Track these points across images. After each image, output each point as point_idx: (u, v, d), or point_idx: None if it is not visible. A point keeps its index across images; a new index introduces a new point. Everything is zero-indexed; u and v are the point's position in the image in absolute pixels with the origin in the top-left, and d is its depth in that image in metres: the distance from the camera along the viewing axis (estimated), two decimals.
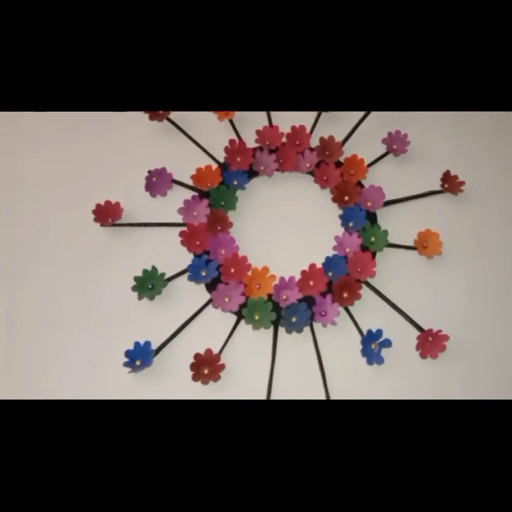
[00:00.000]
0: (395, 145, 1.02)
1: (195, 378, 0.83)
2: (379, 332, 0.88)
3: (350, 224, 0.96)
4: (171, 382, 0.85)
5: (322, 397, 0.86)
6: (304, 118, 1.03)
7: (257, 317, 0.86)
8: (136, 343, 0.83)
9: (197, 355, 0.83)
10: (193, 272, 0.88)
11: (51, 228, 0.94)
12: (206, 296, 0.90)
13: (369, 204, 0.97)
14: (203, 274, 0.88)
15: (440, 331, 0.89)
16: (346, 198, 0.97)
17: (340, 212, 0.97)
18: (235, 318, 0.89)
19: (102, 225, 0.92)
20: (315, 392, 0.87)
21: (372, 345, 0.89)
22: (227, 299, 0.87)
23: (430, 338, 0.90)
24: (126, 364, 0.82)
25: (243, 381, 0.86)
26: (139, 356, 0.81)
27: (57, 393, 0.83)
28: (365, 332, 0.89)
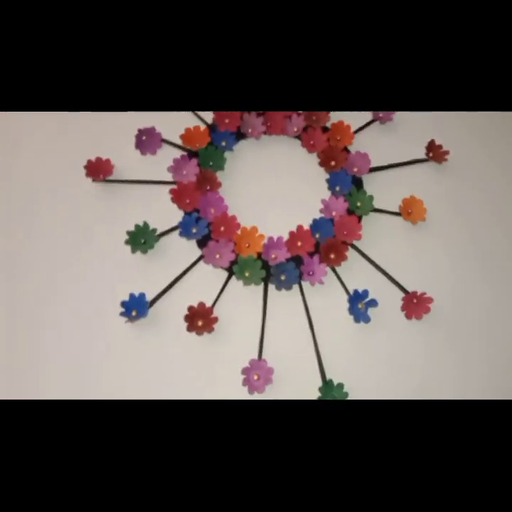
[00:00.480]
0: (381, 113, 1.09)
1: (189, 329, 0.87)
2: (365, 292, 0.94)
3: (337, 188, 1.01)
4: (166, 332, 0.89)
5: (312, 352, 0.91)
6: None
7: (247, 274, 0.91)
8: (131, 295, 0.87)
9: (191, 308, 0.87)
10: (183, 229, 0.92)
11: (44, 185, 0.97)
12: (197, 252, 0.94)
13: (355, 169, 1.03)
14: (194, 231, 0.92)
15: (424, 293, 0.95)
16: (333, 163, 1.03)
17: (327, 176, 1.02)
18: (226, 274, 0.93)
19: (93, 180, 0.95)
20: (305, 348, 0.91)
21: (359, 305, 0.94)
22: (218, 256, 0.92)
23: (415, 300, 0.96)
24: (122, 314, 0.86)
25: (235, 334, 0.90)
26: (135, 307, 0.86)
27: (55, 343, 0.87)
28: (351, 292, 0.94)
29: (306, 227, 0.96)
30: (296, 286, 0.94)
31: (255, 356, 0.89)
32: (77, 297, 0.90)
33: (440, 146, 1.06)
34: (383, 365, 0.93)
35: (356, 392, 0.88)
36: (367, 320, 0.92)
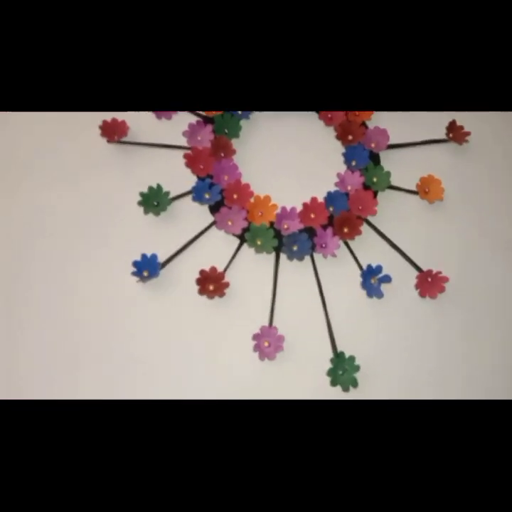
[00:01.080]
0: None
1: (201, 292, 0.90)
2: (379, 267, 0.97)
3: (353, 163, 1.04)
4: (177, 294, 0.92)
5: (323, 323, 0.94)
6: None
7: (259, 242, 0.94)
8: (143, 255, 0.90)
9: (202, 272, 0.90)
10: (196, 194, 0.95)
11: (59, 143, 1.00)
12: (210, 218, 0.96)
13: (373, 145, 1.06)
14: (207, 196, 0.96)
15: (440, 272, 0.97)
16: (350, 137, 1.06)
17: (343, 150, 1.06)
18: (237, 241, 0.96)
19: (108, 141, 0.98)
20: (316, 319, 0.94)
21: (372, 280, 0.97)
22: (230, 223, 0.95)
23: (429, 279, 0.99)
24: (134, 274, 0.89)
25: (246, 300, 0.93)
26: (146, 267, 0.89)
27: (66, 300, 0.91)
28: (364, 267, 0.97)
29: (320, 199, 0.98)
30: (307, 258, 0.96)
31: (266, 323, 0.91)
32: (89, 256, 0.93)
33: (461, 127, 1.08)
34: (396, 341, 0.96)
35: (367, 366, 0.91)
36: (380, 295, 0.95)
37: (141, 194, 0.92)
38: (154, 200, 0.92)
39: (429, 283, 0.97)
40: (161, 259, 0.91)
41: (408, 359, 0.95)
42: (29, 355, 0.88)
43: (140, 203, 0.92)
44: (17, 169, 0.97)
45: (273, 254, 0.94)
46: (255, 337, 0.88)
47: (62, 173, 0.97)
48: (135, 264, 0.88)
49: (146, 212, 0.92)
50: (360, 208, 0.99)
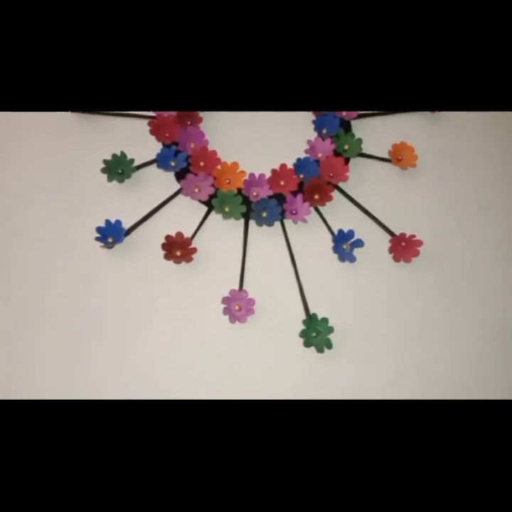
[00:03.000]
0: None
1: (167, 257, 0.99)
2: (350, 232, 1.09)
3: (324, 130, 1.13)
4: (143, 260, 1.02)
5: (295, 287, 1.04)
6: None
7: (227, 209, 1.06)
8: (107, 221, 0.99)
9: (168, 237, 0.99)
10: (161, 161, 1.07)
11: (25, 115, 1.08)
12: (176, 186, 1.06)
13: (344, 113, 1.17)
14: (172, 164, 1.08)
15: (413, 236, 1.09)
16: None
17: (314, 118, 1.16)
18: (205, 208, 1.06)
19: (72, 112, 1.08)
20: (287, 283, 1.04)
21: (344, 245, 1.11)
22: (196, 190, 1.07)
23: (403, 243, 1.11)
24: (97, 239, 0.98)
25: (215, 265, 1.03)
26: (110, 233, 0.98)
27: (32, 267, 1.02)
28: (336, 232, 1.11)
29: (290, 166, 1.09)
30: (277, 224, 1.06)
31: (236, 288, 1.02)
32: (54, 222, 1.03)
33: None
34: (370, 305, 1.07)
35: (340, 328, 1.02)
36: (352, 259, 1.06)
37: (105, 161, 1.01)
38: (118, 168, 1.01)
39: (403, 247, 1.07)
40: (127, 226, 1.00)
41: (383, 323, 1.06)
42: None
43: (103, 171, 1.01)
44: None
45: (242, 221, 1.04)
46: (225, 300, 0.98)
47: (28, 142, 1.07)
48: (99, 229, 0.97)
49: (109, 179, 1.01)
50: (331, 174, 1.08)
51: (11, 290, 0.97)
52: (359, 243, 1.05)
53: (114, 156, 1.00)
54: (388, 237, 1.07)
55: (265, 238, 1.04)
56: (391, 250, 1.08)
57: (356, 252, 1.05)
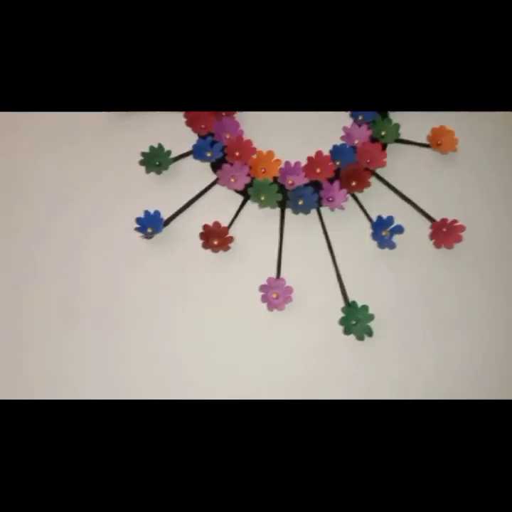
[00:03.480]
0: None
1: (205, 246, 1.02)
2: (390, 218, 1.08)
3: (360, 117, 1.14)
4: (182, 250, 1.05)
5: (333, 275, 1.05)
6: None
7: (262, 198, 1.07)
8: (146, 212, 1.03)
9: (205, 226, 1.02)
10: (197, 152, 1.08)
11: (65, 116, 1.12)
12: (212, 176, 1.08)
13: None
14: (208, 154, 1.10)
15: (455, 221, 1.08)
16: None
17: None
18: (241, 198, 1.07)
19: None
20: (325, 270, 1.05)
21: (383, 232, 1.11)
22: (232, 180, 1.08)
23: (444, 229, 1.10)
24: (137, 229, 1.01)
25: (252, 254, 1.04)
26: (150, 224, 1.02)
27: (73, 259, 1.06)
28: (374, 219, 1.11)
29: (326, 153, 1.10)
30: (314, 212, 1.07)
31: (273, 276, 1.02)
32: (95, 215, 1.07)
33: None
34: (411, 292, 1.06)
35: (381, 317, 1.02)
36: (392, 246, 1.05)
37: (143, 154, 1.03)
38: (156, 160, 1.04)
39: (445, 233, 1.06)
40: (165, 216, 1.03)
41: (424, 310, 1.05)
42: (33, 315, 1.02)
43: (141, 163, 1.04)
44: (20, 146, 1.12)
45: (278, 210, 1.05)
46: (262, 288, 0.99)
47: (66, 139, 1.11)
48: (138, 220, 1.00)
49: (147, 171, 1.04)
50: (368, 160, 1.08)
51: (53, 284, 1.02)
52: (399, 229, 1.04)
53: (151, 148, 1.03)
54: (428, 223, 1.06)
55: (302, 226, 1.05)
56: (432, 236, 1.06)
57: (396, 238, 1.04)
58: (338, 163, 1.07)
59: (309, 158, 1.06)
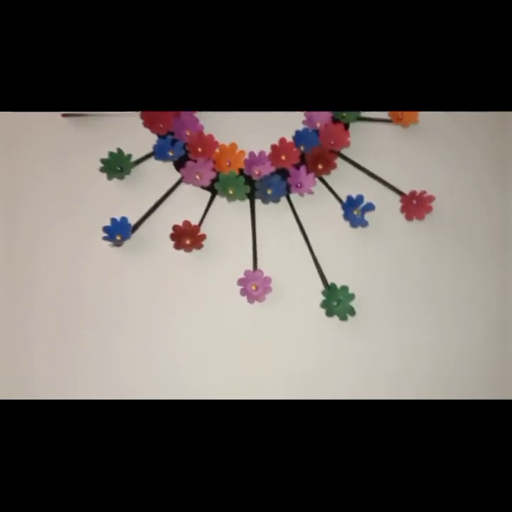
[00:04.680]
0: None
1: (177, 247, 1.02)
2: (360, 197, 1.10)
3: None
4: (155, 253, 1.07)
5: (309, 260, 1.07)
6: None
7: (230, 191, 1.08)
8: (113, 219, 1.03)
9: (175, 227, 1.02)
10: (159, 152, 1.09)
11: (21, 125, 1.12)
12: (176, 175, 1.09)
13: None
14: (170, 153, 1.11)
15: (424, 192, 1.11)
16: None
17: None
18: (208, 194, 1.08)
19: (63, 116, 1.11)
20: (301, 256, 1.07)
21: (355, 212, 1.13)
22: (198, 176, 1.10)
23: (414, 201, 1.12)
24: (105, 238, 1.01)
25: (226, 249, 1.06)
26: (118, 231, 1.02)
27: (45, 277, 1.07)
28: (344, 200, 1.13)
29: (289, 139, 1.11)
30: (284, 199, 1.08)
31: (250, 268, 1.04)
32: (61, 228, 1.07)
33: None
34: (387, 267, 1.09)
35: (361, 295, 1.05)
36: (364, 224, 1.07)
37: (102, 160, 1.04)
38: (117, 165, 1.04)
39: (415, 205, 1.09)
40: (133, 222, 1.04)
41: (403, 283, 1.09)
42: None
43: (102, 170, 1.04)
44: None
45: (247, 202, 1.07)
46: (241, 282, 1.00)
47: (25, 152, 1.11)
48: (105, 229, 1.00)
49: (109, 177, 1.04)
50: (332, 142, 1.10)
51: (28, 297, 1.04)
52: (370, 207, 1.07)
53: (111, 154, 1.04)
54: (398, 197, 1.08)
55: (273, 215, 1.07)
56: (403, 209, 1.09)
57: (367, 216, 1.07)
58: (302, 148, 1.09)
59: (273, 147, 1.08)
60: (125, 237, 1.00)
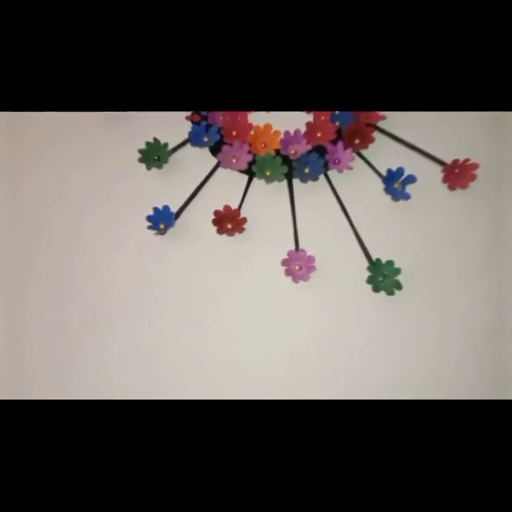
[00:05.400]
0: None
1: (219, 232, 1.05)
2: (400, 169, 1.09)
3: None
4: (198, 239, 1.09)
5: (351, 237, 1.07)
6: None
7: (268, 173, 1.09)
8: (155, 208, 1.07)
9: (217, 212, 1.05)
10: (194, 139, 1.10)
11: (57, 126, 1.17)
12: (213, 161, 1.10)
13: None
14: (205, 139, 1.12)
15: (468, 160, 1.08)
16: None
17: None
18: (246, 177, 1.09)
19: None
20: (343, 234, 1.07)
21: (395, 185, 1.12)
22: (234, 160, 1.11)
23: (457, 170, 1.11)
24: (150, 228, 1.06)
25: (268, 231, 1.08)
26: (161, 219, 1.06)
27: (94, 269, 1.11)
28: (384, 173, 1.10)
29: (324, 116, 1.12)
30: (322, 177, 1.09)
31: (293, 248, 1.05)
32: (106, 223, 1.11)
33: None
34: (432, 238, 1.08)
35: (407, 270, 1.04)
36: (406, 197, 1.06)
37: (140, 151, 1.06)
38: (154, 155, 1.07)
39: (457, 174, 1.07)
40: (175, 209, 1.06)
41: (450, 255, 1.07)
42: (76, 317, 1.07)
43: (141, 160, 1.07)
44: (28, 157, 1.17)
45: (285, 182, 1.08)
46: (284, 262, 1.02)
47: (63, 152, 1.15)
48: (149, 218, 1.04)
49: (148, 167, 1.08)
50: (367, 114, 1.09)
51: (79, 293, 1.09)
52: (411, 179, 1.06)
53: (147, 144, 1.06)
54: (440, 167, 1.07)
55: (312, 194, 1.08)
56: (445, 179, 1.08)
57: (409, 188, 1.06)
58: (338, 123, 1.08)
59: (308, 124, 1.08)
60: (168, 224, 1.04)
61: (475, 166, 1.06)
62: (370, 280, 0.98)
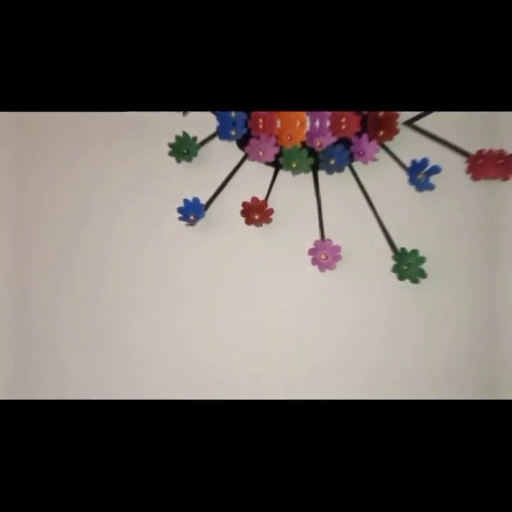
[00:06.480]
0: None
1: (248, 223, 1.11)
2: (424, 160, 1.12)
3: None
4: (226, 230, 1.15)
5: (376, 227, 1.12)
6: None
7: (294, 165, 1.13)
8: (185, 200, 1.12)
9: (245, 203, 1.10)
10: (222, 132, 1.15)
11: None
12: (240, 153, 1.15)
13: None
14: (233, 133, 1.17)
15: (492, 150, 1.09)
16: None
17: None
18: (272, 169, 1.14)
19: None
20: (368, 224, 1.12)
21: (419, 176, 1.16)
22: (261, 153, 1.16)
23: (481, 160, 1.16)
24: (181, 219, 1.12)
25: (294, 221, 1.13)
26: (191, 211, 1.12)
27: (130, 262, 1.18)
28: (408, 164, 1.13)
29: None
30: (347, 168, 1.13)
31: (319, 238, 1.10)
32: (139, 215, 1.18)
33: None
34: (456, 228, 1.12)
35: (433, 258, 1.08)
36: (431, 187, 1.10)
37: (170, 144, 1.12)
38: (184, 148, 1.12)
39: (482, 164, 1.10)
40: (204, 201, 1.12)
41: (475, 244, 1.11)
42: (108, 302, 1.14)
43: (170, 154, 1.13)
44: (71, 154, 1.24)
45: (310, 174, 1.12)
46: (311, 252, 1.07)
47: (96, 150, 1.23)
48: (180, 210, 1.10)
49: (178, 160, 1.13)
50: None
51: (111, 282, 1.16)
52: (435, 170, 1.09)
53: (177, 137, 1.11)
54: (464, 158, 1.09)
55: (338, 185, 1.12)
56: (469, 170, 1.10)
57: (433, 179, 1.09)
58: (363, 113, 1.10)
59: (334, 115, 1.11)
60: (198, 216, 1.10)
61: (501, 156, 1.08)
62: (395, 269, 1.02)
